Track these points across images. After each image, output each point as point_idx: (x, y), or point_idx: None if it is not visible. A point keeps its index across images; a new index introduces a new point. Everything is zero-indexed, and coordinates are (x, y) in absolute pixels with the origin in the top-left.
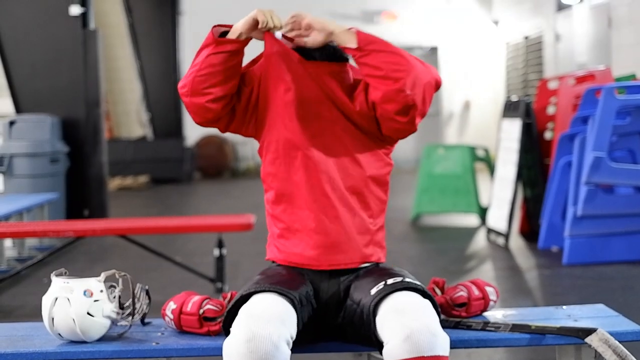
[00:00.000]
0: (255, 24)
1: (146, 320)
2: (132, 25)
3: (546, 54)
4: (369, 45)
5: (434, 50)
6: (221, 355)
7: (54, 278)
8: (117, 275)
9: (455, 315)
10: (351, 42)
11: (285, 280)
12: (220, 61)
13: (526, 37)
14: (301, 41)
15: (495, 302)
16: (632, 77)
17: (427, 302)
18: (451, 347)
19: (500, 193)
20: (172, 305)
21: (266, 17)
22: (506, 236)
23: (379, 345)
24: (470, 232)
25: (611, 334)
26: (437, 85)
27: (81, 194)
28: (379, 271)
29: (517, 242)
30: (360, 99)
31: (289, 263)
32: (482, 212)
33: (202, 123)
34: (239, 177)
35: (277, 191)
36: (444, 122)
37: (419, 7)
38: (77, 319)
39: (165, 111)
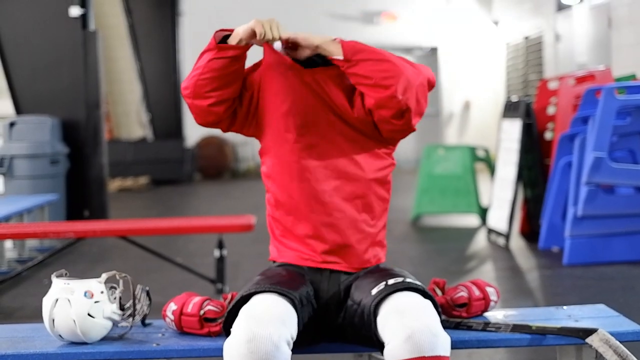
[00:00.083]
0: (253, 33)
1: (147, 321)
2: (132, 27)
3: (546, 54)
4: (355, 55)
5: (434, 50)
6: (222, 356)
7: (54, 279)
8: (117, 277)
9: (456, 315)
10: (338, 54)
11: (286, 280)
12: (222, 66)
13: (526, 38)
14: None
15: (496, 302)
16: (632, 77)
17: (428, 303)
18: (452, 348)
19: (500, 193)
20: (172, 306)
21: (264, 28)
22: (507, 236)
23: (379, 346)
24: (470, 233)
25: (612, 334)
26: (431, 84)
27: (81, 195)
28: (379, 272)
29: (517, 243)
30: (357, 104)
31: (288, 262)
32: (483, 213)
33: (204, 124)
34: (239, 178)
35: (275, 197)
36: (444, 122)
37: (419, 7)
38: (78, 320)
39: (166, 112)
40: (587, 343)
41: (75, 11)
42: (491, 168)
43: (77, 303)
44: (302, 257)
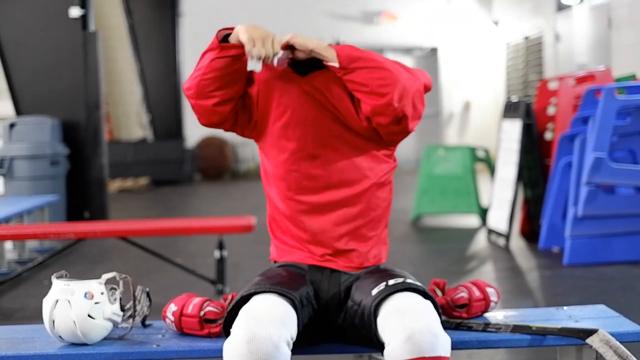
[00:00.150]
0: (248, 48)
1: (147, 322)
2: (132, 27)
3: (546, 54)
4: (351, 63)
5: (434, 51)
6: (222, 357)
7: (54, 280)
8: (117, 278)
9: (456, 316)
10: (333, 60)
11: (286, 281)
12: (225, 65)
13: (526, 38)
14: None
15: (496, 303)
16: (632, 77)
17: (428, 303)
18: (452, 348)
19: (500, 194)
20: (172, 307)
21: (258, 50)
22: (507, 237)
23: (380, 346)
24: (470, 233)
25: (612, 334)
26: (427, 88)
27: (81, 196)
28: (380, 272)
29: (517, 243)
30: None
31: (289, 261)
32: (483, 213)
33: (208, 124)
34: (240, 178)
35: (273, 202)
36: (444, 122)
37: (419, 7)
38: (78, 321)
39: (166, 113)
40: (587, 344)
41: (75, 12)
42: (491, 168)
43: (77, 304)
44: (302, 257)
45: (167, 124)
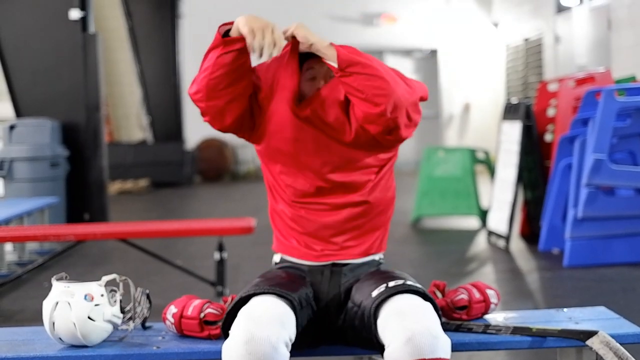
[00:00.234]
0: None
1: (147, 324)
2: (132, 29)
3: (546, 56)
4: (350, 67)
5: (433, 52)
6: (221, 358)
7: (54, 282)
8: (117, 279)
9: (456, 318)
10: (332, 60)
11: (285, 282)
12: (231, 60)
13: (526, 39)
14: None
15: (496, 304)
16: (632, 78)
17: (428, 305)
18: (452, 350)
19: (500, 195)
20: (172, 309)
21: (259, 42)
22: (507, 238)
23: (380, 348)
24: (470, 235)
25: (612, 336)
26: (423, 100)
27: (81, 197)
28: (380, 274)
29: (517, 245)
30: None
31: (289, 255)
32: (483, 215)
33: (223, 128)
34: (240, 180)
35: (274, 199)
36: (444, 124)
37: (419, 9)
38: (78, 323)
39: (166, 114)
40: (587, 345)
41: (75, 14)
42: (491, 170)
43: (77, 306)
44: (300, 253)
45: (167, 125)
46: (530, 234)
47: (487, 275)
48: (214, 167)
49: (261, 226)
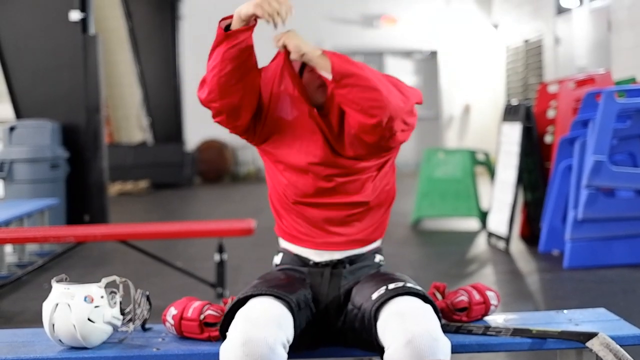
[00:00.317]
0: (255, 15)
1: (147, 325)
2: (132, 30)
3: (546, 57)
4: (344, 78)
5: (433, 54)
6: None
7: (54, 284)
8: (117, 281)
9: (456, 319)
10: (326, 70)
11: (283, 284)
12: (238, 54)
13: (526, 41)
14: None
15: (496, 306)
16: (632, 80)
17: (428, 307)
18: (452, 352)
19: (500, 197)
20: (172, 311)
21: (269, 8)
22: (507, 240)
23: (380, 350)
24: (470, 236)
25: (612, 338)
26: (418, 104)
27: (81, 199)
28: (380, 276)
29: (517, 246)
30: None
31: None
32: (483, 216)
33: (238, 129)
34: (240, 181)
35: (276, 192)
36: (444, 126)
37: (419, 10)
38: (78, 324)
39: (166, 116)
40: (587, 347)
41: (75, 15)
42: (491, 171)
43: (77, 308)
44: (300, 242)
45: (167, 127)
46: (530, 236)
47: (487, 276)
48: (214, 168)
49: (261, 227)
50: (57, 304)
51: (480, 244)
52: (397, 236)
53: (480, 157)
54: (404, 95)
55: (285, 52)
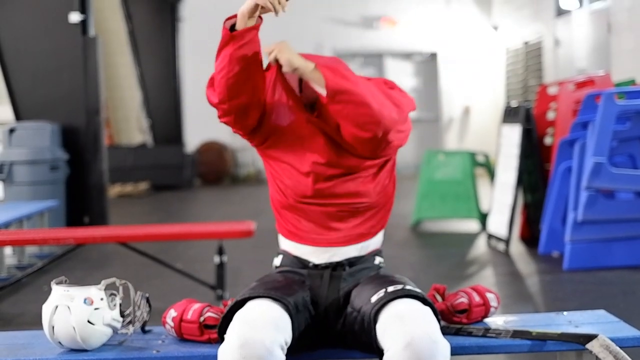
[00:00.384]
0: (256, 7)
1: (147, 328)
2: (132, 32)
3: (546, 59)
4: (337, 95)
5: (433, 55)
6: None
7: (54, 286)
8: (117, 283)
9: (456, 321)
10: (320, 85)
11: (281, 286)
12: (244, 54)
13: (526, 43)
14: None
15: (496, 308)
16: (632, 82)
17: (428, 310)
18: (452, 354)
19: (500, 198)
20: (172, 313)
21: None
22: (507, 242)
23: (379, 353)
24: (470, 238)
25: (612, 339)
26: (412, 110)
27: (81, 201)
28: (379, 279)
29: (517, 248)
30: None
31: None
32: (483, 218)
33: (246, 129)
34: (239, 183)
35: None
36: (443, 127)
37: (419, 12)
38: (78, 327)
39: (166, 118)
40: (587, 349)
41: (75, 17)
42: (491, 173)
43: (76, 310)
44: (299, 239)
45: (167, 128)
46: (530, 237)
47: (487, 278)
48: (214, 170)
49: (261, 229)
50: (56, 306)
51: (480, 246)
52: (397, 238)
53: (480, 158)
54: (397, 107)
55: (277, 65)
